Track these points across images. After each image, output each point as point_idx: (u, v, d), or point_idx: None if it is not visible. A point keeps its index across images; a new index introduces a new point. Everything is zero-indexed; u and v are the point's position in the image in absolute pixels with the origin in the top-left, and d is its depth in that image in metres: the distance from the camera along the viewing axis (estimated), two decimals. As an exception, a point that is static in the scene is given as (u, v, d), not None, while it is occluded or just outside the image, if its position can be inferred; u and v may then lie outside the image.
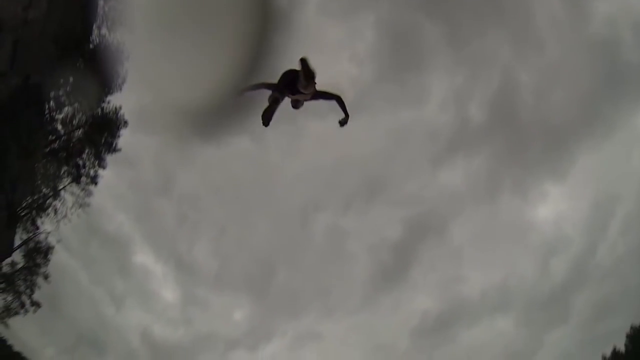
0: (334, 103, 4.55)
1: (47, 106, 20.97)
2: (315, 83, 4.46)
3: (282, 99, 4.25)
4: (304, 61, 4.07)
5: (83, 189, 24.80)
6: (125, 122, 24.51)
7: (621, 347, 37.45)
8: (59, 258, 27.78)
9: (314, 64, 4.36)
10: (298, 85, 4.23)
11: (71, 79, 22.08)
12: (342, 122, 4.60)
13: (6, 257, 19.41)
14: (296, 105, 4.49)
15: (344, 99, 4.51)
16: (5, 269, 21.05)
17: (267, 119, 4.12)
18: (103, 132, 24.73)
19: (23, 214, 21.98)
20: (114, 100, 24.29)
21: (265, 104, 4.30)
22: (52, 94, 20.87)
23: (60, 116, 22.90)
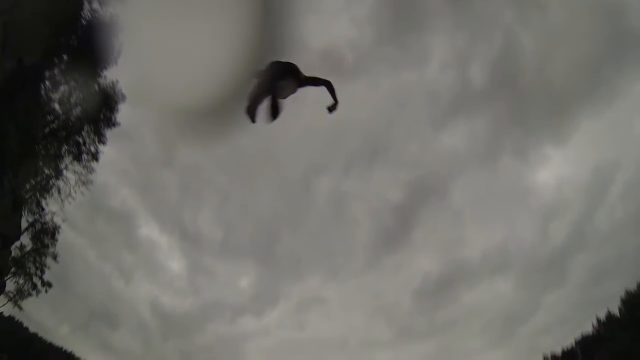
0: (323, 89, 4.45)
1: (42, 87, 20.40)
2: (301, 74, 4.32)
3: (267, 95, 4.06)
4: (274, 99, 3.98)
5: (85, 167, 24.84)
6: (123, 96, 24.17)
7: (615, 311, 38.93)
8: (66, 237, 28.18)
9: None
10: (286, 82, 4.14)
11: (65, 57, 21.41)
12: (331, 108, 4.50)
13: (15, 241, 19.55)
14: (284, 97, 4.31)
15: (333, 85, 4.42)
16: (15, 252, 21.32)
17: (253, 115, 3.95)
18: (101, 107, 24.40)
19: (27, 196, 21.96)
20: (110, 74, 23.86)
21: (253, 100, 4.09)
22: (47, 73, 20.27)
23: (57, 95, 22.48)
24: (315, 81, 4.39)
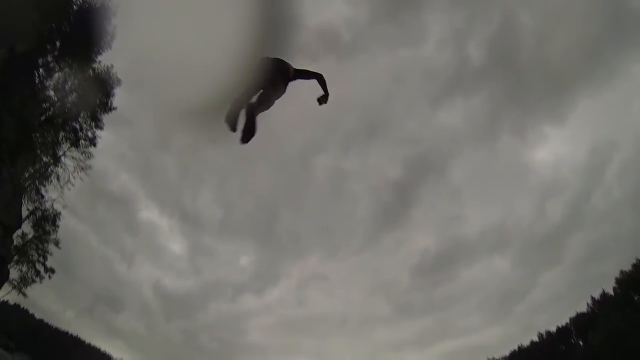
0: (314, 82, 4.37)
1: (37, 75, 20.17)
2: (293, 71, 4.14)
3: (249, 106, 3.79)
4: (250, 117, 3.68)
5: (83, 153, 24.83)
6: (119, 81, 23.94)
7: (610, 291, 39.51)
8: (68, 224, 28.45)
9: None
10: (275, 87, 3.99)
11: (58, 44, 21.08)
12: (322, 101, 4.43)
13: (16, 230, 19.67)
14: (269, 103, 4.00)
15: (324, 78, 4.36)
16: (17, 241, 21.47)
17: (233, 124, 3.72)
18: (97, 93, 24.21)
19: (27, 185, 22.01)
20: (105, 59, 23.57)
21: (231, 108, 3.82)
22: (40, 61, 20.00)
23: (52, 83, 22.26)
24: (307, 75, 4.30)
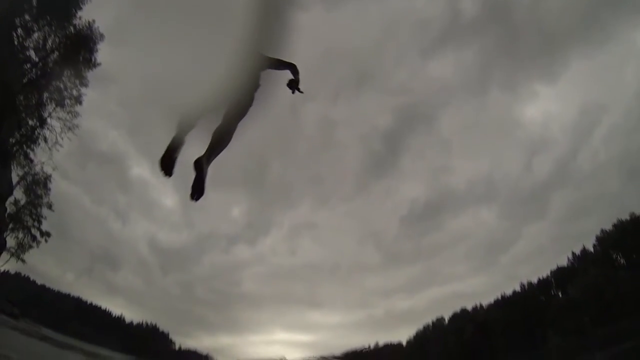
0: (286, 72, 3.99)
1: (15, 35, 19.14)
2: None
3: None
4: (200, 171, 3.03)
5: (69, 112, 24.20)
6: (101, 36, 22.92)
7: (590, 247, 41.31)
8: (59, 186, 28.29)
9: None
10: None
11: (35, 1, 19.88)
12: (294, 86, 3.97)
13: (8, 197, 19.60)
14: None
15: (297, 68, 4.00)
16: (10, 208, 21.43)
17: (169, 166, 3.05)
18: (79, 49, 23.25)
19: (14, 150, 21.62)
20: (86, 14, 22.39)
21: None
22: (17, 21, 18.90)
23: (32, 43, 21.22)
24: (280, 65, 3.93)
